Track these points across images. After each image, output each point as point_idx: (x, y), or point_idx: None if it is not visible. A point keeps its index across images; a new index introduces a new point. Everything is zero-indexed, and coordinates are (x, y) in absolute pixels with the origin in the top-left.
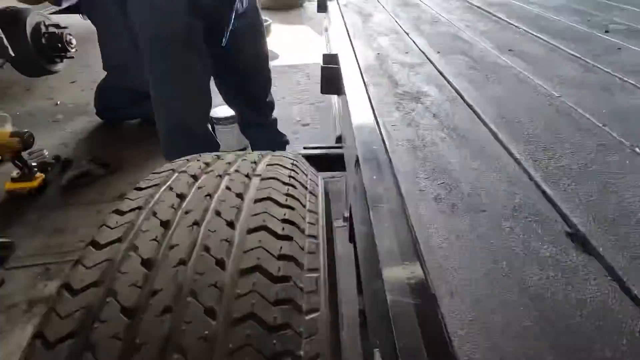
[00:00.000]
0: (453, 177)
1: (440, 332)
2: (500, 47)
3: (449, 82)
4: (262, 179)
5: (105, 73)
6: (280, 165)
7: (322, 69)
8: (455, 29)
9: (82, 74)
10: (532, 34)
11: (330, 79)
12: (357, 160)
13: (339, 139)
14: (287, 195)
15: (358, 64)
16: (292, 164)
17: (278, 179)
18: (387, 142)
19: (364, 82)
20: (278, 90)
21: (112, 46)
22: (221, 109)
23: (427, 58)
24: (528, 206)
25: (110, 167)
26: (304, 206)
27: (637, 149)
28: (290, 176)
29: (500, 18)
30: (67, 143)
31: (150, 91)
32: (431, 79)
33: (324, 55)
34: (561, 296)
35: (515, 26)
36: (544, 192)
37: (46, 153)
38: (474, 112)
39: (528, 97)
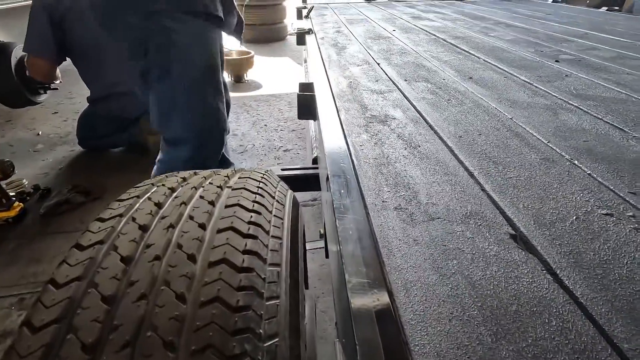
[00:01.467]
0: (413, 189)
1: (395, 322)
2: (461, 75)
3: (413, 106)
4: (233, 189)
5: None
6: (251, 178)
7: (299, 96)
8: (422, 59)
9: (64, 104)
10: (491, 63)
11: (306, 105)
12: (328, 177)
13: (314, 161)
14: (255, 202)
15: (332, 91)
16: (262, 177)
17: (247, 189)
18: (355, 161)
19: (336, 108)
20: (261, 118)
21: (96, 80)
22: None
23: (395, 85)
24: (478, 213)
25: (92, 194)
26: (270, 212)
27: (575, 162)
28: (258, 187)
29: (462, 49)
30: (47, 172)
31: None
32: (397, 104)
33: (300, 84)
34: (502, 288)
35: (476, 56)
36: (492, 201)
37: (25, 182)
38: (435, 132)
39: (483, 119)
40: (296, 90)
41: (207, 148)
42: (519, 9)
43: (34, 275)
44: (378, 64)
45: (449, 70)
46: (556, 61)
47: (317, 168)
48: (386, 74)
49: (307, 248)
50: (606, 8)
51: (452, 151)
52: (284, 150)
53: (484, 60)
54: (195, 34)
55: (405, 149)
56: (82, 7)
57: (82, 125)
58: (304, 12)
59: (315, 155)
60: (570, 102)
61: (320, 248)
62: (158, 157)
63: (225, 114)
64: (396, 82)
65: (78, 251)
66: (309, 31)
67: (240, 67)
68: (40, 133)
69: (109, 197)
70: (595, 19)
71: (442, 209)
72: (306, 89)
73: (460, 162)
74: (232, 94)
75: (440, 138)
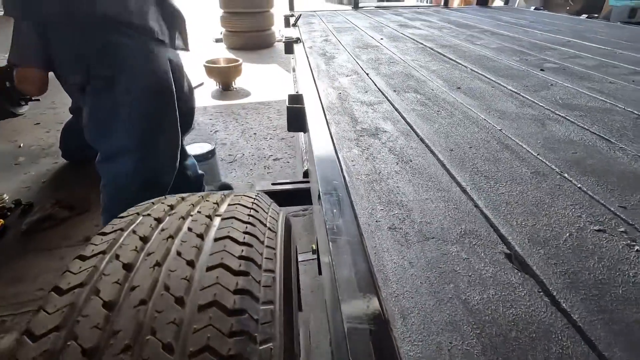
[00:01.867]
0: (406, 207)
1: (393, 354)
2: (449, 85)
3: (403, 118)
4: (223, 219)
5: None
6: (241, 205)
7: (288, 108)
8: (410, 68)
9: (46, 115)
10: (478, 73)
11: (296, 118)
12: (319, 195)
13: (305, 174)
14: (246, 233)
15: (321, 103)
16: (253, 202)
17: (238, 218)
18: (346, 177)
19: (326, 120)
20: (250, 126)
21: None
22: (199, 146)
23: (385, 96)
24: (472, 231)
25: (76, 209)
26: (262, 242)
27: (565, 175)
28: (249, 214)
29: (450, 58)
30: (29, 186)
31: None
32: (387, 116)
33: (289, 96)
34: (500, 313)
35: (463, 65)
36: (486, 218)
37: (6, 197)
38: (426, 145)
39: (473, 131)
40: (285, 97)
41: (153, 161)
42: (503, 16)
43: (15, 295)
44: (367, 74)
45: (437, 80)
46: (541, 70)
47: (308, 182)
48: (375, 85)
49: (299, 261)
50: (586, 15)
51: (444, 166)
52: (274, 159)
53: (471, 69)
54: (143, 48)
55: (397, 164)
56: None
57: (65, 136)
58: (292, 20)
59: (306, 168)
60: (557, 112)
61: (312, 259)
62: (102, 183)
63: (179, 130)
64: (385, 93)
65: (57, 295)
66: (297, 40)
67: (228, 75)
68: (21, 145)
69: (93, 211)
70: (576, 26)
71: (437, 227)
72: (295, 101)
73: (453, 177)
74: (220, 102)
75: (432, 152)
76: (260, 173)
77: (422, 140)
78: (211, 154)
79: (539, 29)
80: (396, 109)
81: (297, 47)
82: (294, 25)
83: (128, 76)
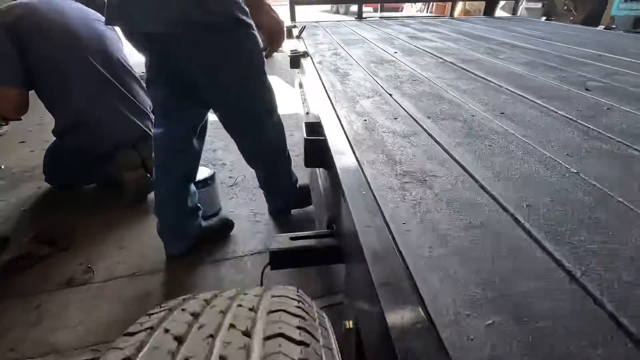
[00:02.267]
0: (499, 306)
1: None
2: (490, 110)
3: (450, 155)
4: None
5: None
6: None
7: (306, 141)
8: (437, 88)
9: (33, 132)
10: (517, 94)
11: (316, 152)
12: (374, 285)
13: (329, 225)
14: None
15: (345, 133)
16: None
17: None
18: (404, 253)
19: (357, 160)
20: None
21: (62, 107)
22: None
23: (419, 124)
24: (616, 355)
25: (58, 244)
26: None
27: None
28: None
29: (478, 75)
30: (8, 216)
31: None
32: (430, 153)
33: (307, 124)
34: None
35: (496, 84)
36: (625, 331)
37: None
38: (492, 197)
39: (543, 175)
40: (288, 111)
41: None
42: (515, 27)
43: None
44: (390, 94)
45: (474, 103)
46: (587, 90)
47: (332, 234)
48: (404, 109)
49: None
50: (604, 27)
51: (529, 233)
52: None
53: (506, 89)
54: (243, 31)
55: (465, 229)
56: (44, 26)
57: (49, 159)
58: (295, 31)
59: (330, 215)
60: (636, 147)
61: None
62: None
63: None
64: (419, 120)
65: None
66: (304, 54)
67: None
68: (2, 167)
69: (78, 247)
70: (598, 38)
71: (560, 346)
72: (314, 131)
73: (549, 254)
74: None
75: (504, 208)
76: (264, 200)
77: (484, 189)
78: (211, 179)
79: (559, 41)
80: (438, 143)
81: (304, 62)
82: (298, 37)
83: (245, 55)
